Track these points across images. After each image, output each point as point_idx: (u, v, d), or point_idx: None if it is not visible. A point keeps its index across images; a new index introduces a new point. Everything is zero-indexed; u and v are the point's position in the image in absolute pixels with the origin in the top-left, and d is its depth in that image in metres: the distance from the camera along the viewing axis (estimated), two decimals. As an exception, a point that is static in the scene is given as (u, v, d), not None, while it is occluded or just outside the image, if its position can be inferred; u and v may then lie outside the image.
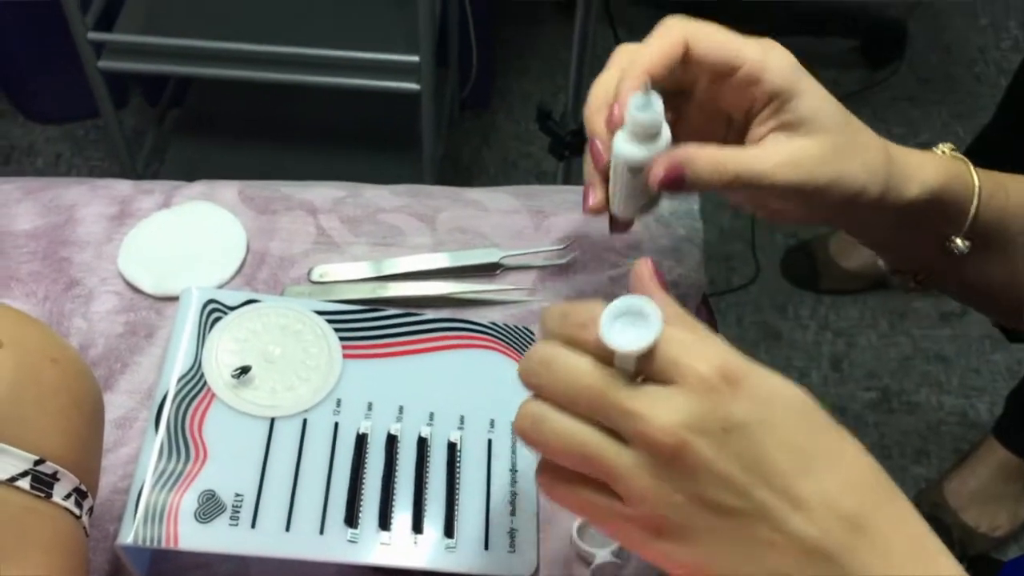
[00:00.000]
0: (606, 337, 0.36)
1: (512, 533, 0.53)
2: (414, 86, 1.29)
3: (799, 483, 0.36)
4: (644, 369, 0.37)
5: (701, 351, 0.36)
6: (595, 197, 0.51)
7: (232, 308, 0.59)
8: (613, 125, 0.48)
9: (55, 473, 0.44)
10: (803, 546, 0.36)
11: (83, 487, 0.47)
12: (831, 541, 0.36)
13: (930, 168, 0.49)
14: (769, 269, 1.64)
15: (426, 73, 1.27)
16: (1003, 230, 0.51)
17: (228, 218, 0.66)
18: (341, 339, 0.59)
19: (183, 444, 0.53)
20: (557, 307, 0.40)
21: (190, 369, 0.56)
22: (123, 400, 0.59)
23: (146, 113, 1.69)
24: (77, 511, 0.46)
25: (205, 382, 0.56)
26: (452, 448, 0.56)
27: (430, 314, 0.61)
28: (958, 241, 0.50)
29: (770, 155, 0.47)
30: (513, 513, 0.54)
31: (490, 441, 0.56)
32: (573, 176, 1.24)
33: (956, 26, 1.93)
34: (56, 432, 0.45)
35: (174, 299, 0.62)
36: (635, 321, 0.36)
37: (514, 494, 0.55)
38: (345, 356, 0.58)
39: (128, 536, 0.50)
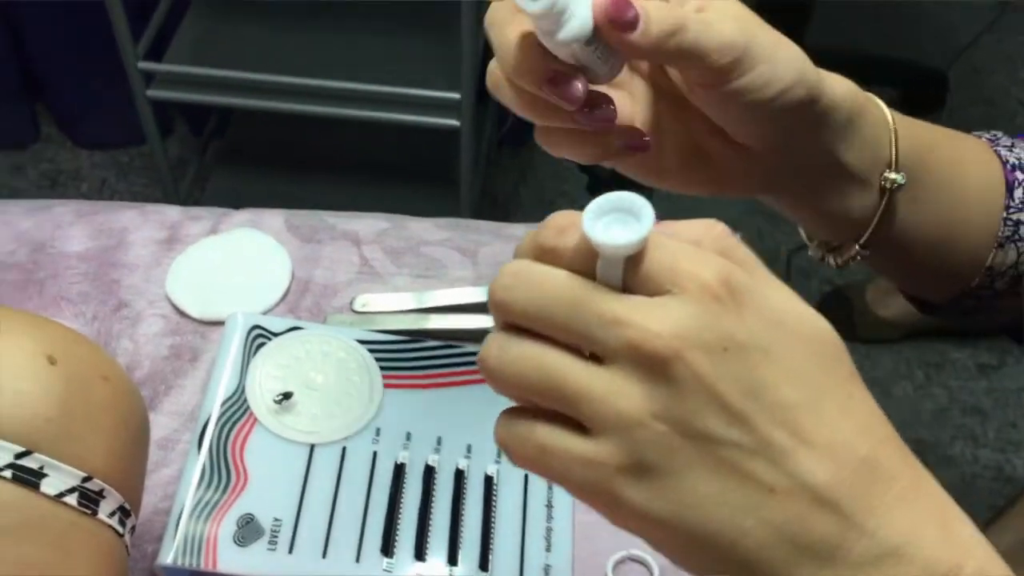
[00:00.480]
0: (590, 232, 0.30)
1: (547, 569, 0.53)
2: (454, 122, 1.31)
3: (807, 419, 0.30)
4: (633, 281, 0.31)
5: (704, 257, 0.30)
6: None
7: (276, 334, 0.60)
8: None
9: (101, 491, 0.45)
10: (810, 492, 0.29)
11: (127, 505, 0.47)
12: (843, 491, 0.29)
13: (839, 82, 0.44)
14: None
15: (467, 110, 1.29)
16: (928, 170, 0.47)
17: (274, 246, 0.68)
18: (382, 369, 0.60)
19: (224, 468, 0.54)
20: (535, 228, 0.34)
21: (233, 393, 0.57)
22: (166, 421, 0.59)
23: (189, 142, 1.72)
24: (120, 529, 0.47)
25: (248, 407, 0.56)
26: (489, 481, 0.56)
27: (470, 347, 0.62)
28: (891, 175, 0.45)
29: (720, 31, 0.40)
30: (548, 549, 0.54)
31: (526, 476, 0.57)
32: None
33: (997, 78, 1.93)
34: (104, 450, 0.46)
35: (219, 324, 0.64)
36: (623, 220, 0.30)
37: (549, 529, 0.55)
38: (386, 386, 0.59)
39: (168, 557, 0.50)
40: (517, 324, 0.32)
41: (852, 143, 0.44)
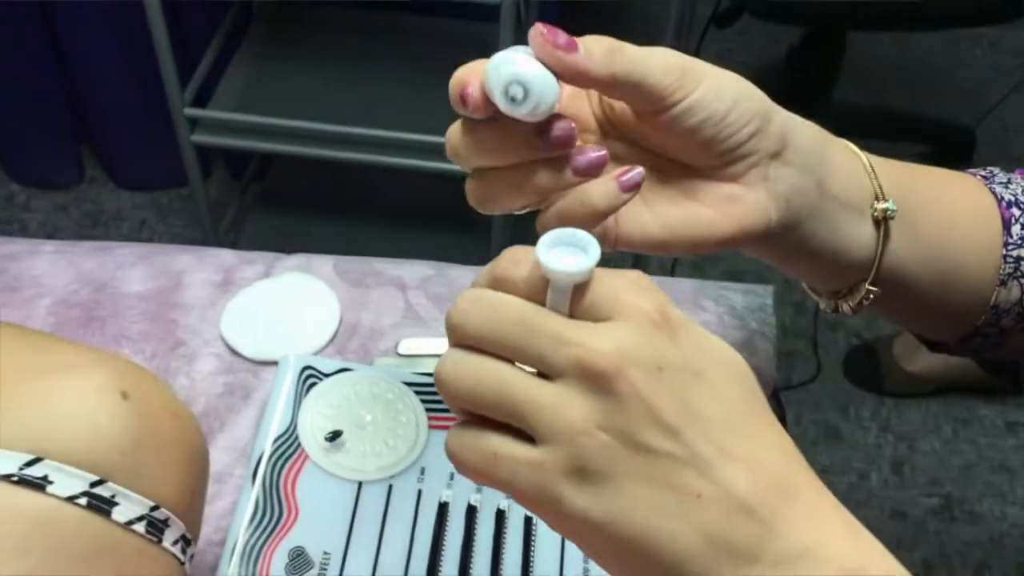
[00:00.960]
0: (543, 259, 0.33)
1: (584, 609, 0.56)
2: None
3: (731, 437, 0.34)
4: (579, 309, 0.34)
5: (643, 290, 0.35)
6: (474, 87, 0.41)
7: (327, 375, 0.63)
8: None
9: (167, 520, 0.48)
10: (732, 499, 0.33)
11: (188, 535, 0.50)
12: (763, 500, 0.33)
13: (799, 118, 0.46)
14: (830, 367, 1.64)
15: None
16: (916, 200, 0.48)
17: (324, 289, 0.71)
18: (427, 410, 0.63)
19: (277, 502, 0.57)
20: (493, 261, 0.37)
21: (286, 431, 0.60)
22: (220, 456, 0.62)
23: (227, 185, 1.77)
24: (182, 557, 0.50)
25: (299, 444, 0.59)
26: (528, 522, 0.59)
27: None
28: (882, 204, 0.47)
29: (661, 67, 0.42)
30: (586, 589, 0.56)
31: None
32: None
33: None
34: (171, 481, 0.49)
35: (271, 363, 0.67)
36: (573, 252, 0.34)
37: (586, 570, 0.57)
38: (430, 426, 0.62)
39: (223, 585, 0.53)
40: (472, 345, 0.35)
41: (830, 171, 0.46)
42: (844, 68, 1.80)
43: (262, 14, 1.60)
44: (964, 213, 0.50)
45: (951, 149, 1.89)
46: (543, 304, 0.34)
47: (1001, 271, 0.50)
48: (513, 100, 0.38)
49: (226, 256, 0.74)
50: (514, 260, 0.35)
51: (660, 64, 0.41)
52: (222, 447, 0.63)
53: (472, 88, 0.40)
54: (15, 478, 0.44)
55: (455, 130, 0.43)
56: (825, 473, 1.51)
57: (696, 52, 1.66)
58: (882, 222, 0.47)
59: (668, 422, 0.33)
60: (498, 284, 0.36)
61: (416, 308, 0.71)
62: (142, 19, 1.29)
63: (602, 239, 0.42)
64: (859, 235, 0.47)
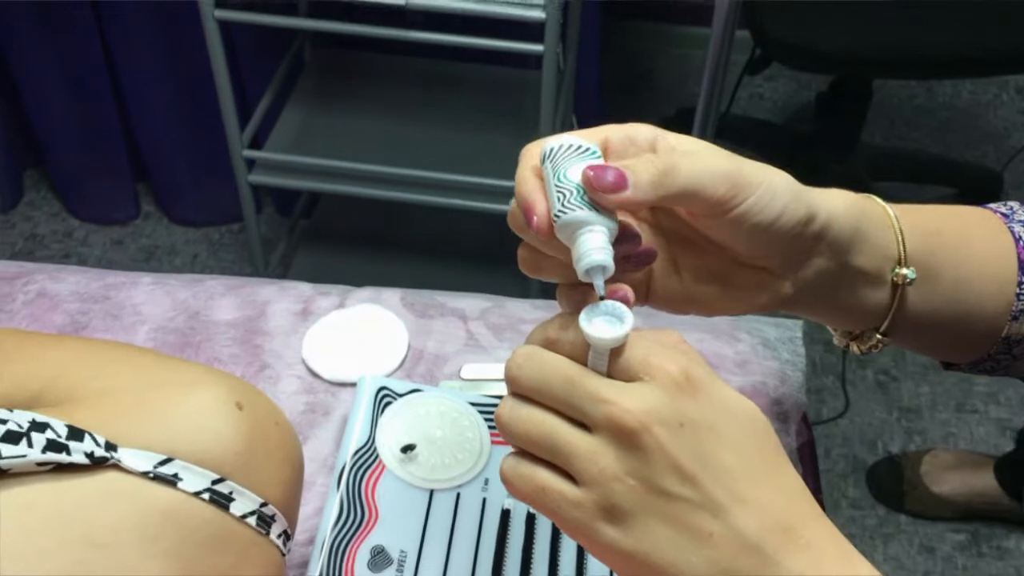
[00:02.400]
0: (585, 328, 0.40)
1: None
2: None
3: (742, 484, 0.39)
4: (615, 369, 0.40)
5: (671, 354, 0.40)
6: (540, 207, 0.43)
7: (400, 395, 0.71)
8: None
9: (274, 515, 0.57)
10: (740, 540, 0.39)
11: (288, 530, 0.58)
12: (766, 539, 0.39)
13: (835, 196, 0.48)
14: (859, 403, 1.69)
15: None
16: (936, 257, 0.51)
17: (393, 319, 0.80)
18: (490, 427, 0.71)
19: (359, 505, 0.65)
20: (545, 321, 0.44)
21: (365, 444, 0.68)
22: (304, 466, 0.71)
23: (275, 221, 1.86)
24: (283, 549, 0.58)
25: (377, 456, 0.68)
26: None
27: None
28: (903, 271, 0.50)
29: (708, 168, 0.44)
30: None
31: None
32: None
33: (1050, 179, 2.01)
34: (276, 481, 0.58)
35: (347, 385, 0.75)
36: (611, 321, 0.40)
37: None
38: (493, 442, 0.70)
39: (315, 576, 0.61)
40: (525, 395, 0.42)
41: (860, 249, 0.49)
42: (871, 112, 1.85)
43: (314, 61, 1.70)
44: (984, 259, 0.53)
45: (977, 192, 1.91)
46: (585, 362, 0.41)
47: (1014, 307, 0.53)
48: (587, 273, 0.42)
49: (304, 288, 0.83)
50: (562, 325, 0.42)
51: (711, 178, 0.43)
52: (306, 458, 0.71)
53: (538, 218, 0.42)
54: (151, 475, 0.53)
55: (521, 251, 0.47)
56: (854, 507, 1.57)
57: (731, 99, 1.74)
58: (900, 286, 0.50)
59: (686, 471, 0.39)
60: (549, 344, 0.42)
61: (477, 337, 0.80)
62: (201, 61, 1.38)
63: (635, 295, 0.45)
64: (875, 297, 0.51)
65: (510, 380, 0.43)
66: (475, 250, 1.69)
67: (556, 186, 0.42)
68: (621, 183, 0.42)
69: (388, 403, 0.71)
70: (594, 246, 0.40)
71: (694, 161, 0.43)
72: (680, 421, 0.40)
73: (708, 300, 0.50)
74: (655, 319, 0.81)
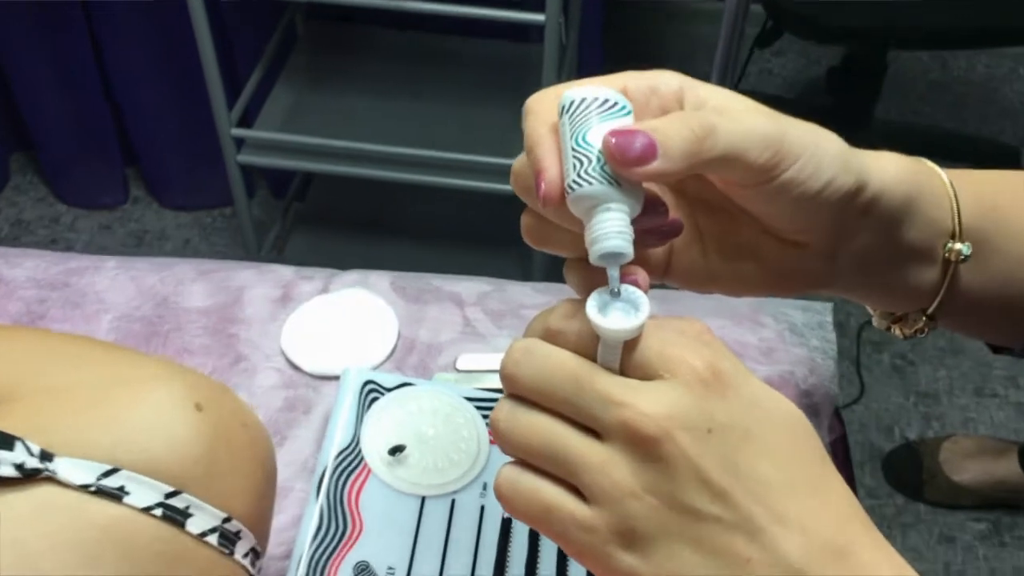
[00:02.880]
0: (593, 317, 0.34)
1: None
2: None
3: (783, 499, 0.33)
4: (629, 365, 0.34)
5: (693, 345, 0.34)
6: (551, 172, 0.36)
7: (388, 389, 0.63)
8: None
9: (239, 532, 0.49)
10: (782, 565, 0.33)
11: (258, 548, 0.50)
12: (813, 563, 0.33)
13: (887, 161, 0.42)
14: (874, 388, 1.62)
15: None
16: (993, 229, 0.45)
17: (381, 305, 0.72)
18: (488, 424, 0.63)
19: (341, 515, 0.57)
20: (545, 309, 0.37)
21: (348, 445, 0.60)
22: (281, 470, 0.62)
23: (269, 204, 1.79)
24: (251, 569, 0.50)
25: (362, 458, 0.60)
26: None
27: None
28: (957, 246, 0.44)
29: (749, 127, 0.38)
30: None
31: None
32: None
33: (1070, 154, 1.94)
34: (243, 492, 0.50)
35: (330, 378, 0.67)
36: (623, 308, 0.34)
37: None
38: (491, 442, 0.62)
39: (291, 599, 0.53)
40: (525, 397, 0.35)
41: (912, 222, 0.43)
42: (884, 87, 1.78)
43: (306, 36, 1.62)
44: None
45: (994, 168, 1.86)
46: (594, 358, 0.35)
47: None
48: (601, 259, 0.36)
49: (284, 272, 0.75)
50: (566, 313, 0.36)
51: (753, 143, 0.37)
52: (283, 461, 0.63)
53: (547, 186, 0.35)
54: (92, 488, 0.45)
55: (525, 218, 0.40)
56: (871, 496, 1.49)
57: (741, 74, 1.66)
58: (953, 263, 0.45)
59: (716, 485, 0.33)
60: (550, 336, 0.36)
61: (474, 324, 0.72)
62: (188, 41, 1.31)
63: (652, 269, 0.40)
64: (924, 277, 0.45)
65: (507, 379, 0.36)
66: (475, 232, 1.62)
67: (573, 150, 0.35)
68: (649, 153, 0.34)
69: (375, 399, 0.63)
70: (611, 229, 0.34)
71: (733, 122, 0.36)
72: (707, 426, 0.33)
73: (735, 278, 0.43)
74: (669, 304, 0.73)
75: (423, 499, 0.59)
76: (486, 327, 0.71)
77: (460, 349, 0.70)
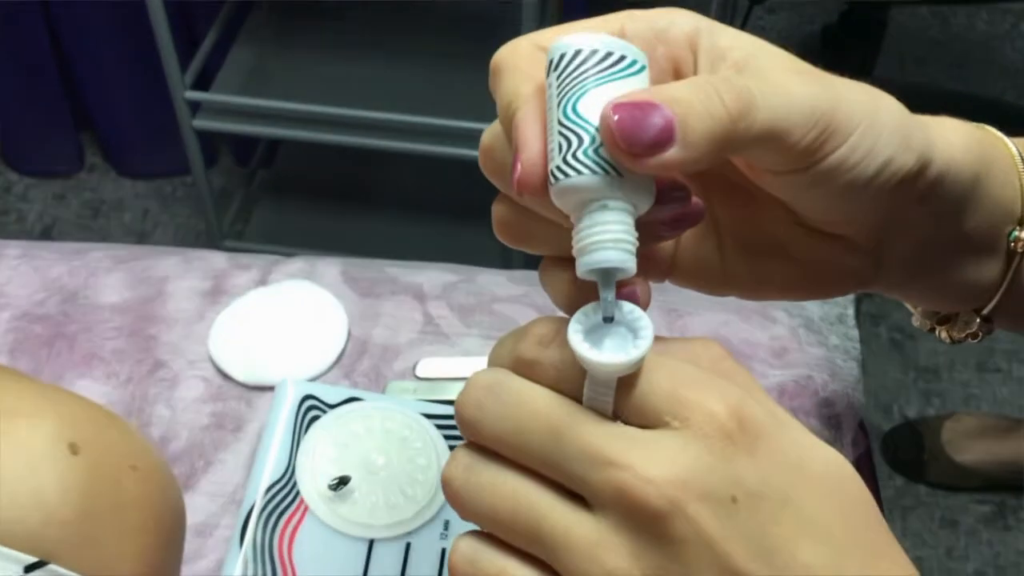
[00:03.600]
0: (577, 347, 0.25)
1: None
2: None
3: None
4: (626, 408, 0.26)
5: (711, 383, 0.26)
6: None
7: (332, 406, 0.52)
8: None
9: (128, 606, 0.38)
10: None
11: (156, 620, 0.40)
12: None
13: (951, 132, 0.34)
14: (872, 363, 1.54)
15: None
16: None
17: (329, 300, 0.60)
18: (451, 447, 0.52)
19: (270, 565, 0.46)
20: (514, 330, 0.28)
21: (282, 476, 0.49)
22: (204, 503, 0.52)
23: (234, 173, 1.67)
24: (147, 650, 0.39)
25: (298, 493, 0.49)
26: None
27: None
28: (1022, 234, 0.36)
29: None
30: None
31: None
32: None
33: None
34: (132, 555, 0.39)
35: (266, 388, 0.56)
36: (618, 333, 0.26)
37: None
38: (456, 469, 0.51)
39: (203, 678, 0.42)
40: (489, 447, 0.27)
41: (976, 208, 0.35)
42: (885, 43, 1.69)
43: (268, -10, 1.49)
44: None
45: (1000, 130, 1.78)
46: (579, 397, 0.27)
47: None
48: (591, 274, 0.27)
49: (217, 260, 0.63)
50: (543, 337, 0.27)
51: (802, 116, 0.28)
52: (207, 492, 0.52)
53: (524, 168, 0.27)
54: (-74, 565, 0.34)
55: (498, 207, 0.31)
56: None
57: (741, 28, 1.56)
58: (1019, 255, 0.36)
59: (743, 573, 0.25)
60: (523, 368, 0.28)
61: (437, 322, 0.60)
62: (140, -2, 1.19)
63: (653, 268, 0.32)
64: (983, 271, 0.37)
65: (466, 425, 0.28)
66: (454, 202, 1.51)
67: (560, 124, 0.26)
68: (664, 138, 0.26)
69: (315, 418, 0.52)
70: (607, 236, 0.26)
71: (774, 92, 0.27)
72: (732, 493, 0.25)
73: (757, 279, 0.34)
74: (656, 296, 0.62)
75: (371, 543, 0.48)
76: (452, 325, 0.60)
77: (420, 352, 0.59)
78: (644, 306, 0.28)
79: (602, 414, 0.26)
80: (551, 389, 0.27)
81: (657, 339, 0.27)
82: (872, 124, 0.29)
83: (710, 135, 0.26)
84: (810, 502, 0.26)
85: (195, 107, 1.30)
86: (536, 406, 0.26)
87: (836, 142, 0.28)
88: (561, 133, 0.26)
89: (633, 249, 0.26)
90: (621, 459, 0.25)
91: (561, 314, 0.29)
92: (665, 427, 0.26)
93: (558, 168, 0.26)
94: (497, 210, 0.30)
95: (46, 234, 1.61)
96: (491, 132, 0.29)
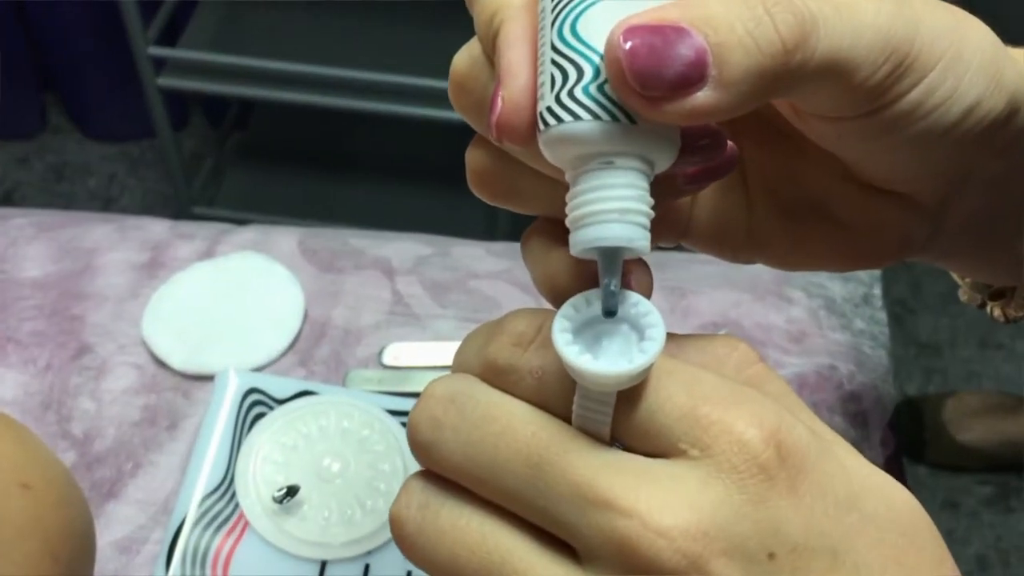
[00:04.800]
0: (564, 352, 0.20)
1: None
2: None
3: None
4: (628, 430, 0.21)
5: (744, 400, 0.20)
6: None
7: (280, 401, 0.44)
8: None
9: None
10: None
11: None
12: None
13: None
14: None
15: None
16: None
17: (283, 275, 0.52)
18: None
19: (201, 594, 0.38)
20: (485, 324, 0.23)
21: (219, 485, 0.41)
22: (130, 514, 0.44)
23: (206, 135, 1.58)
24: None
25: (237, 505, 0.41)
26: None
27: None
28: None
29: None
30: None
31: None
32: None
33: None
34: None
35: (208, 378, 0.48)
36: (617, 332, 0.21)
37: None
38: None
39: None
40: (449, 478, 0.22)
41: None
42: None
43: (239, -61, 1.39)
44: None
45: None
46: (568, 415, 0.21)
47: None
48: (588, 252, 0.21)
49: (156, 228, 0.55)
50: (519, 336, 0.22)
51: (873, 44, 0.21)
52: (135, 500, 0.44)
53: (504, 106, 0.21)
54: None
55: (474, 153, 0.25)
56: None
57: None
58: None
59: None
60: (493, 375, 0.22)
61: (407, 301, 0.52)
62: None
63: (665, 229, 0.26)
64: None
65: (419, 449, 0.22)
66: (441, 169, 1.43)
67: (555, 49, 0.20)
68: (693, 75, 0.19)
69: (260, 415, 0.44)
70: (613, 205, 0.19)
71: (835, 11, 0.20)
72: (768, 548, 0.19)
73: (790, 243, 0.27)
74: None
75: (323, 564, 0.40)
76: (423, 305, 0.52)
77: (388, 336, 0.51)
78: (647, 294, 0.22)
79: (597, 438, 0.20)
80: (531, 404, 0.21)
81: (670, 340, 0.21)
82: (957, 57, 0.22)
83: (757, 72, 0.19)
84: (869, 554, 0.20)
85: (160, 64, 1.22)
86: (510, 426, 0.20)
87: (912, 80, 0.22)
88: (555, 62, 0.19)
89: (647, 222, 0.20)
90: (622, 501, 0.19)
91: (547, 304, 0.23)
92: (680, 456, 0.20)
93: (549, 110, 0.20)
94: (472, 157, 0.24)
95: (7, 199, 1.52)
96: (467, 55, 0.23)
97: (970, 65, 0.23)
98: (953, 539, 1.30)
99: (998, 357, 1.47)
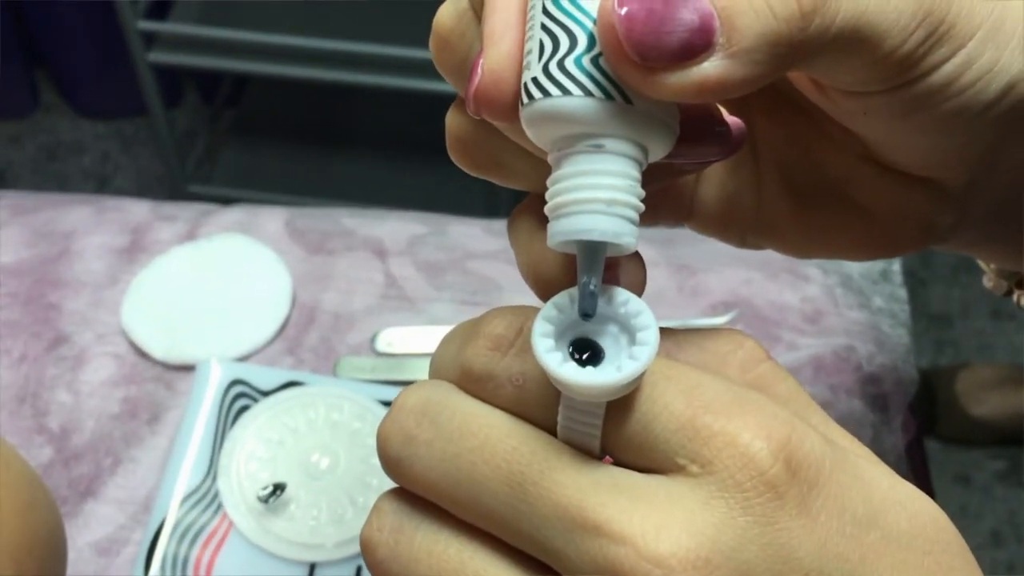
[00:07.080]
0: (544, 359, 0.18)
1: None
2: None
3: None
4: (620, 442, 0.19)
5: (749, 407, 0.18)
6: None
7: (266, 393, 0.42)
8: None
9: None
10: None
11: None
12: None
13: None
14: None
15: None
16: None
17: (269, 258, 0.49)
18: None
19: (183, 600, 0.36)
20: (463, 324, 0.21)
21: (201, 484, 0.39)
22: (110, 513, 0.42)
23: (200, 112, 1.55)
24: None
25: (220, 504, 0.38)
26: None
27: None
28: None
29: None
30: None
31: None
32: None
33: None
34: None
35: (191, 368, 0.45)
36: (606, 333, 0.19)
37: None
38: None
39: None
40: (424, 498, 0.20)
41: None
42: None
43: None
44: None
45: None
46: (552, 427, 0.19)
47: None
48: (567, 246, 0.19)
49: (137, 210, 0.52)
50: (498, 339, 0.20)
51: (907, 9, 0.19)
52: (114, 499, 0.42)
53: (484, 77, 0.19)
54: None
55: (454, 117, 0.22)
56: (878, 432, 1.34)
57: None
58: None
59: None
60: (470, 382, 0.20)
61: (401, 283, 0.50)
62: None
63: (667, 211, 0.25)
64: None
65: (390, 465, 0.20)
66: (440, 143, 1.39)
67: (547, 12, 0.18)
68: (699, 43, 0.17)
69: (244, 408, 0.41)
70: (598, 195, 0.17)
71: None
72: (778, 574, 0.17)
73: (804, 230, 0.25)
74: (644, 244, 0.51)
75: (312, 567, 0.38)
76: (418, 288, 0.49)
77: (381, 321, 0.48)
78: (639, 291, 0.20)
79: (585, 452, 0.18)
80: (512, 414, 0.19)
81: (665, 335, 0.19)
82: (998, 26, 0.20)
83: (770, 39, 0.17)
84: (887, 573, 0.18)
85: (150, 39, 1.19)
86: (488, 440, 0.19)
87: (947, 51, 0.20)
88: (546, 27, 0.17)
89: (635, 216, 0.18)
90: (614, 525, 0.17)
91: (533, 298, 0.20)
92: (679, 473, 0.18)
93: (535, 81, 0.18)
94: (452, 121, 0.22)
95: (-1, 180, 1.50)
96: (453, 8, 0.20)
97: (1012, 36, 0.21)
98: (966, 514, 1.28)
99: (1011, 328, 1.44)
